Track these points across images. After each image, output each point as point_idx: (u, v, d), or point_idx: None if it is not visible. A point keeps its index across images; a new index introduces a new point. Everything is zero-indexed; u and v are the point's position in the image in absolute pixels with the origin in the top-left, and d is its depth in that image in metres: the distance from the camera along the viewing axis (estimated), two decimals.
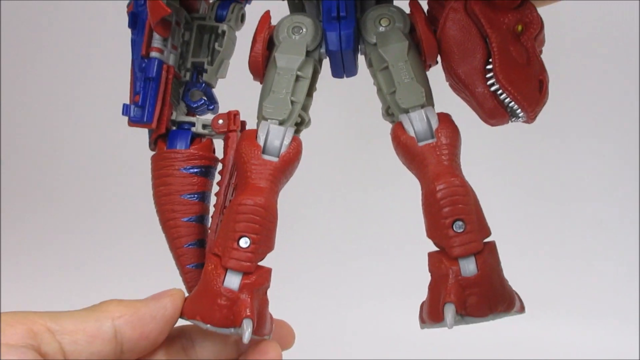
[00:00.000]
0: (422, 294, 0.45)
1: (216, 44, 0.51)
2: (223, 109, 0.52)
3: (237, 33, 0.52)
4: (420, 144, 0.43)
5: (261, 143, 0.44)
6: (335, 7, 0.46)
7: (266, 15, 0.48)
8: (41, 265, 1.16)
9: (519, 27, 0.45)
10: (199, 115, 0.51)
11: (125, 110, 0.48)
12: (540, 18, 0.45)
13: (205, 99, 0.51)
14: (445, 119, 0.44)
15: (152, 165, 0.49)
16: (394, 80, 0.45)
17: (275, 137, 0.44)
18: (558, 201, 1.14)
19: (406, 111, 0.44)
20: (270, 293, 0.45)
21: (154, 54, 0.48)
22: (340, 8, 0.45)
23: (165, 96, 0.48)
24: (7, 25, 1.26)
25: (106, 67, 1.24)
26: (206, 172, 0.49)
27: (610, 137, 1.14)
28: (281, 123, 0.45)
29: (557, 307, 1.08)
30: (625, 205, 1.13)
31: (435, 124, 0.43)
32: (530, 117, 0.44)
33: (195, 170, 0.48)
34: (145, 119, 0.48)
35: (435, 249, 0.43)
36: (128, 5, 0.49)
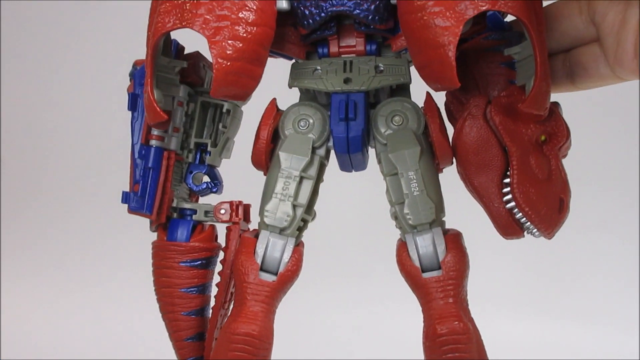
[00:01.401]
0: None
1: (220, 125, 0.49)
2: (229, 182, 0.50)
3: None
4: (425, 275, 0.41)
5: (259, 260, 0.42)
6: (344, 108, 0.43)
7: (272, 106, 0.45)
8: (41, 265, 1.16)
9: (542, 137, 0.42)
10: (202, 195, 0.49)
11: (125, 198, 0.47)
12: (567, 128, 0.42)
13: (209, 180, 0.49)
14: (453, 244, 0.41)
15: (153, 252, 0.48)
16: (403, 191, 0.42)
17: (275, 250, 0.43)
18: None
19: (414, 227, 0.42)
20: None
21: (153, 142, 0.46)
22: (349, 109, 0.43)
23: (166, 185, 0.46)
24: (7, 26, 1.24)
25: (107, 68, 1.22)
26: (207, 263, 0.47)
27: (611, 137, 1.12)
28: (282, 231, 0.43)
29: (557, 308, 1.08)
30: (626, 206, 1.12)
31: (442, 252, 0.41)
32: (548, 237, 0.42)
33: (196, 263, 0.47)
34: (144, 210, 0.46)
35: None
36: (128, 86, 0.47)
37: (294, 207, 0.43)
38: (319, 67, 0.44)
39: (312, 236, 0.45)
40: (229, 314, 0.45)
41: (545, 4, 0.47)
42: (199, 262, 0.47)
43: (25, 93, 1.26)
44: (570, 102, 0.47)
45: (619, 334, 1.03)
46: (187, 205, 0.48)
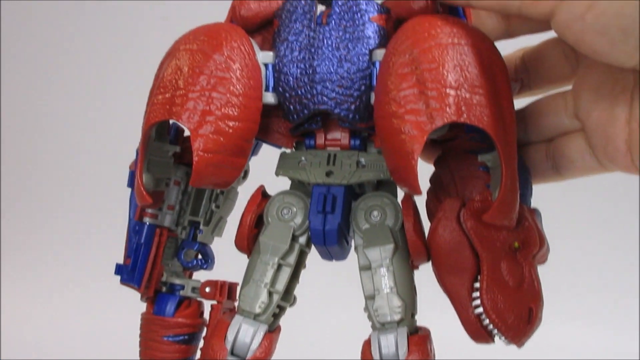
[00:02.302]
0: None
1: (213, 204, 0.51)
2: (223, 257, 0.52)
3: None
4: None
5: (229, 345, 0.43)
6: (322, 201, 0.44)
7: (257, 193, 0.47)
8: (41, 266, 1.16)
9: (516, 244, 0.41)
10: (193, 271, 0.51)
11: (117, 270, 0.49)
12: (540, 238, 0.41)
13: (200, 257, 0.51)
14: (416, 347, 0.41)
15: (140, 324, 0.49)
16: (374, 286, 0.43)
17: (246, 336, 0.44)
18: (558, 201, 1.10)
19: (382, 325, 0.42)
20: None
21: (147, 219, 0.48)
22: (327, 203, 0.44)
23: (156, 261, 0.48)
24: (7, 26, 1.27)
25: (107, 68, 1.27)
26: (190, 339, 0.48)
27: None
28: (256, 317, 0.44)
29: (557, 307, 1.03)
30: (626, 206, 1.11)
31: (403, 354, 0.41)
32: (517, 346, 0.41)
33: (179, 339, 0.48)
34: (134, 283, 0.48)
35: None
36: (131, 163, 0.50)
37: (270, 294, 0.44)
38: (304, 158, 0.46)
39: None
40: None
41: (530, 99, 0.47)
42: (182, 337, 0.48)
43: (26, 93, 1.28)
44: None
45: (619, 334, 1.03)
46: (176, 281, 0.50)
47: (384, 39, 0.43)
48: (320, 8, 0.45)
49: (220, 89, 0.41)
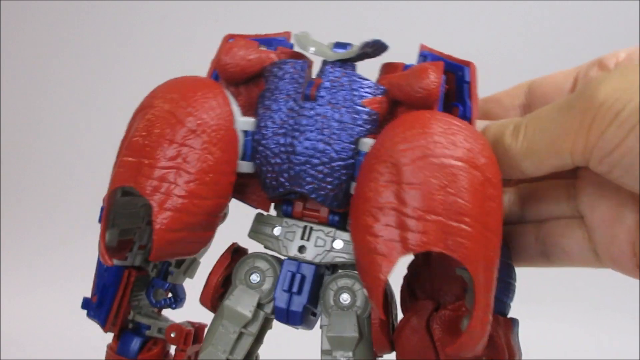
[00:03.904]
0: None
1: None
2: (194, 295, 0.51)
3: None
4: None
5: None
6: (290, 279, 0.42)
7: (227, 254, 0.45)
8: (42, 266, 1.15)
9: (483, 359, 0.40)
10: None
11: (84, 304, 0.48)
12: (510, 354, 0.39)
13: (170, 297, 0.50)
14: None
15: (105, 357, 0.49)
16: None
17: None
18: None
19: None
20: None
21: (115, 261, 0.47)
22: (294, 282, 0.42)
23: (122, 302, 0.47)
24: (7, 26, 1.24)
25: (107, 68, 1.24)
26: None
27: None
28: None
29: (556, 307, 1.07)
30: None
31: None
32: None
33: None
34: (99, 321, 0.48)
35: None
36: (104, 197, 0.48)
37: None
38: (278, 228, 0.43)
39: None
40: None
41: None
42: None
43: (26, 93, 1.26)
44: None
45: (619, 334, 1.03)
46: (143, 320, 0.49)
47: (375, 125, 0.39)
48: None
49: (191, 161, 0.38)
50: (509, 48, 1.20)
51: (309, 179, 0.40)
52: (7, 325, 0.99)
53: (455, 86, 0.41)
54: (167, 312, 0.51)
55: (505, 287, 0.41)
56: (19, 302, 1.06)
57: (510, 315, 0.42)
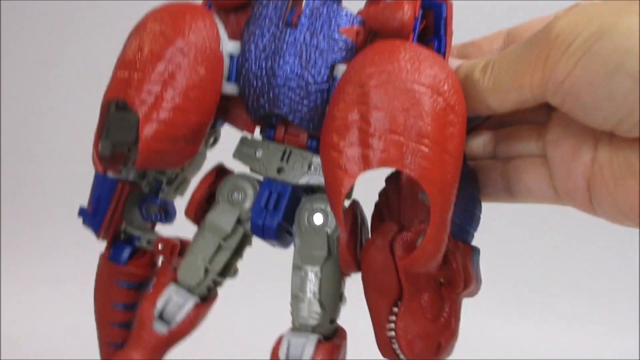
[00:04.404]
0: None
1: None
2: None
3: None
4: None
5: (156, 313, 0.47)
6: (267, 197, 0.45)
7: (212, 172, 0.48)
8: (42, 266, 1.15)
9: (441, 280, 0.42)
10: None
11: (80, 212, 0.52)
12: (467, 279, 0.42)
13: (162, 213, 0.53)
14: (321, 355, 0.43)
15: (98, 265, 0.53)
16: (299, 287, 0.44)
17: (174, 306, 0.47)
18: None
19: (299, 325, 0.44)
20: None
21: (110, 173, 0.50)
22: (270, 200, 0.44)
23: (115, 213, 0.50)
24: (7, 26, 1.23)
25: (108, 67, 1.23)
26: (138, 287, 0.52)
27: None
28: (190, 289, 0.47)
29: (556, 307, 1.08)
30: None
31: (308, 356, 0.43)
32: None
33: (130, 284, 0.52)
34: (92, 228, 0.51)
35: None
36: None
37: (206, 270, 0.47)
38: (260, 150, 0.46)
39: None
40: None
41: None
42: (133, 284, 0.52)
43: (26, 93, 1.25)
44: None
45: (618, 334, 1.04)
46: (134, 232, 0.52)
47: (350, 54, 0.41)
48: None
49: (178, 77, 0.41)
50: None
51: (286, 101, 0.42)
52: (7, 325, 0.99)
53: (433, 22, 0.42)
54: (159, 228, 0.55)
55: (470, 217, 0.44)
56: (19, 302, 1.06)
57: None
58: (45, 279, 1.13)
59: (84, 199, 0.52)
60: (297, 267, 0.45)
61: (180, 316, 0.47)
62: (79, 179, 1.23)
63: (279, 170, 0.45)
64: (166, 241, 0.51)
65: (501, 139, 0.46)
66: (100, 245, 0.52)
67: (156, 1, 0.45)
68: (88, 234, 0.52)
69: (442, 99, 0.37)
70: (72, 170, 1.20)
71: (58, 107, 1.26)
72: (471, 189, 0.44)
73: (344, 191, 0.37)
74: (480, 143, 0.46)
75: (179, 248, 0.51)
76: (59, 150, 1.24)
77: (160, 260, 0.53)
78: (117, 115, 0.47)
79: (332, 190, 0.38)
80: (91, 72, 1.18)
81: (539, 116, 0.43)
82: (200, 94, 0.42)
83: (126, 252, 0.52)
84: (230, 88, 0.44)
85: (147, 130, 0.41)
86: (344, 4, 0.44)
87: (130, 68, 0.42)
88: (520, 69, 0.37)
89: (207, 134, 0.47)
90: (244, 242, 0.48)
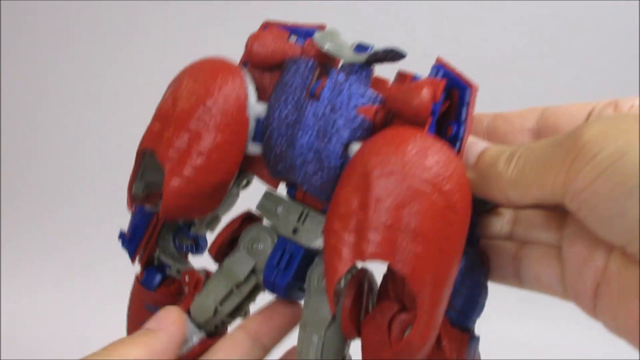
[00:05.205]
0: None
1: None
2: None
3: None
4: None
5: None
6: (279, 255, 0.46)
7: (238, 218, 0.50)
8: (42, 265, 1.16)
9: None
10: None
11: (120, 236, 0.56)
12: None
13: (193, 245, 0.56)
14: None
15: (132, 285, 0.57)
16: (302, 347, 0.46)
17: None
18: None
19: None
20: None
21: (147, 206, 0.53)
22: (282, 259, 0.46)
23: (149, 241, 0.54)
24: (7, 26, 1.23)
25: (108, 67, 1.23)
26: None
27: None
28: (199, 325, 0.49)
29: (556, 307, 1.03)
30: None
31: None
32: None
33: (157, 310, 0.55)
34: (128, 253, 0.55)
35: None
36: None
37: (216, 310, 0.49)
38: (280, 208, 0.47)
39: None
40: None
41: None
42: (158, 309, 0.55)
43: (26, 93, 1.26)
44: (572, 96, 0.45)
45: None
46: (166, 260, 0.56)
47: (367, 133, 0.41)
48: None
49: (203, 137, 0.43)
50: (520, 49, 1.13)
51: (301, 172, 0.43)
52: (7, 325, 1.01)
53: (457, 102, 0.41)
54: (192, 257, 0.58)
55: (473, 304, 0.43)
56: (19, 302, 1.08)
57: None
58: (45, 279, 1.14)
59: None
60: (303, 326, 0.46)
61: (185, 348, 0.49)
62: (79, 179, 1.26)
63: (295, 231, 0.46)
64: (192, 274, 0.54)
65: (520, 221, 0.45)
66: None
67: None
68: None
69: (443, 198, 0.37)
70: (73, 171, 1.26)
71: (58, 107, 1.27)
72: (478, 275, 0.43)
73: (337, 277, 0.38)
74: (498, 222, 0.45)
75: (202, 282, 0.54)
76: (59, 151, 1.26)
77: (186, 290, 0.56)
78: (151, 159, 0.50)
79: (328, 273, 0.38)
80: (91, 72, 1.25)
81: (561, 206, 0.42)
82: (222, 156, 0.43)
83: (157, 279, 0.55)
84: (254, 148, 0.45)
85: (171, 186, 0.43)
86: (379, 68, 0.44)
87: (162, 122, 0.44)
88: (546, 168, 0.36)
89: (240, 178, 0.50)
90: (256, 289, 0.50)
